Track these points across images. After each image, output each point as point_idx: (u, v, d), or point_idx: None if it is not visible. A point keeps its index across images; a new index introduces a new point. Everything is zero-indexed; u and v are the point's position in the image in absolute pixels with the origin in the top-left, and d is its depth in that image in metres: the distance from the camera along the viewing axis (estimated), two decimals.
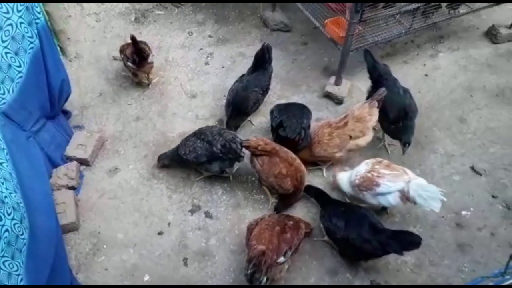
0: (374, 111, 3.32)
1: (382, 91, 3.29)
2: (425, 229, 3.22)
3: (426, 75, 4.20)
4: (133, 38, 3.65)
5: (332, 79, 4.00)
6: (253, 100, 3.66)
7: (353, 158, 3.53)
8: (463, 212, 3.30)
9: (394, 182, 2.93)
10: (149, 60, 3.88)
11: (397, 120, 3.35)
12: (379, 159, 3.13)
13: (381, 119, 3.42)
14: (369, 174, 3.00)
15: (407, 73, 4.19)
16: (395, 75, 4.11)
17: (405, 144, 3.34)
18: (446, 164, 3.57)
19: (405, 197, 2.90)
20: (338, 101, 3.97)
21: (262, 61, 3.66)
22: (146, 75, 4.05)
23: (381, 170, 2.99)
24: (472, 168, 3.54)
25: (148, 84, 4.11)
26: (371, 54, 3.50)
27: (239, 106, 3.63)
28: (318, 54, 4.38)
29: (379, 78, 3.47)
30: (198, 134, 3.33)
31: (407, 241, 2.71)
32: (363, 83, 4.11)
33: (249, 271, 2.59)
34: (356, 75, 4.16)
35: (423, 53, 4.39)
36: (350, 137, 3.31)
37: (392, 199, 2.95)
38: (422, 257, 3.09)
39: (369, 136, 3.36)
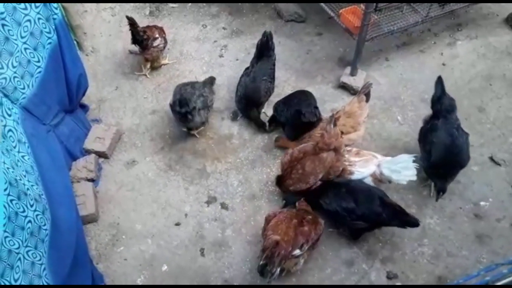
0: (363, 105, 3.34)
1: (368, 84, 3.33)
2: (442, 220, 3.19)
3: (443, 64, 4.13)
4: (129, 20, 3.76)
5: (348, 69, 3.97)
6: (264, 89, 3.67)
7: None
8: (482, 203, 3.26)
9: (365, 167, 3.06)
10: (155, 44, 3.94)
11: (439, 165, 3.07)
12: (348, 148, 3.20)
13: (423, 158, 3.20)
14: None
15: (424, 63, 4.12)
16: (411, 64, 4.10)
17: (439, 192, 3.12)
18: None
19: (377, 179, 3.04)
20: (354, 91, 3.93)
21: (266, 49, 3.65)
22: (157, 60, 4.13)
23: (351, 159, 3.11)
24: (491, 159, 3.48)
25: (161, 66, 4.19)
26: (442, 84, 3.21)
27: (251, 99, 3.65)
28: (333, 45, 4.34)
29: (438, 113, 3.16)
30: (187, 84, 3.60)
31: (406, 222, 2.87)
32: (379, 73, 4.07)
33: (261, 263, 2.60)
34: (372, 65, 4.12)
35: (440, 41, 4.31)
36: (342, 132, 3.27)
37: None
38: (440, 248, 3.07)
39: (361, 131, 3.37)
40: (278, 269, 2.65)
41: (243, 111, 3.76)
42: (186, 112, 3.37)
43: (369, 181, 3.08)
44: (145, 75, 4.16)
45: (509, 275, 1.35)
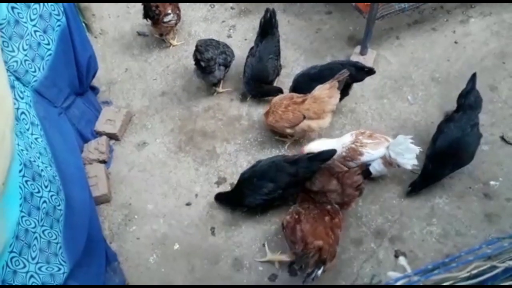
0: (334, 93, 3.22)
1: (344, 71, 3.20)
2: (451, 200, 3.20)
3: (455, 42, 4.05)
4: None
5: (358, 48, 3.92)
6: (272, 68, 3.65)
7: None
8: (492, 182, 3.25)
9: (376, 149, 3.06)
10: (166, 19, 3.93)
11: (440, 154, 3.04)
12: (362, 130, 3.20)
13: (429, 146, 3.18)
14: (353, 145, 3.10)
15: (436, 41, 4.05)
16: (423, 43, 4.03)
17: (414, 186, 3.14)
18: None
19: (387, 162, 3.05)
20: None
21: (270, 27, 3.61)
22: (165, 35, 4.14)
23: (363, 140, 3.10)
24: (502, 138, 3.45)
25: (170, 45, 4.20)
26: (475, 80, 3.16)
27: (260, 78, 3.65)
28: (343, 23, 4.28)
29: (461, 107, 3.12)
30: (213, 39, 3.76)
31: (324, 157, 2.96)
32: (390, 52, 4.01)
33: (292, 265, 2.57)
34: (382, 44, 4.06)
35: (453, 19, 4.22)
36: (304, 116, 3.26)
37: (377, 165, 3.11)
38: (448, 227, 3.09)
39: (323, 121, 3.29)
40: (320, 271, 2.58)
41: (252, 91, 3.76)
42: (209, 59, 3.49)
43: (379, 163, 3.09)
44: (170, 44, 4.21)
45: (510, 249, 1.36)
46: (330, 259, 2.64)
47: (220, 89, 3.90)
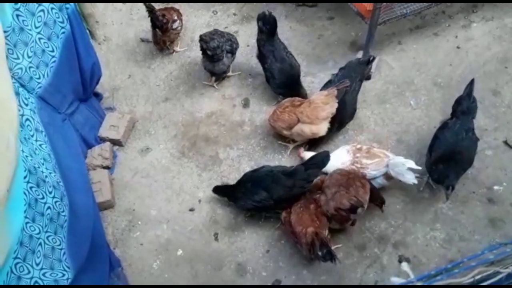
0: (330, 100, 3.21)
1: (346, 81, 3.21)
2: (455, 205, 3.19)
3: (458, 47, 4.05)
4: (148, 7, 3.79)
5: (360, 54, 3.92)
6: (296, 61, 3.72)
7: None
8: (495, 187, 3.24)
9: (378, 170, 3.07)
10: (174, 26, 3.98)
11: (438, 162, 3.01)
12: (358, 146, 3.19)
13: (426, 156, 3.17)
14: (353, 167, 3.09)
15: (438, 46, 4.06)
16: (425, 47, 4.04)
17: (448, 187, 2.94)
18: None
19: (389, 177, 3.07)
20: (367, 77, 3.89)
21: (275, 27, 3.64)
22: (170, 43, 4.18)
23: (363, 161, 3.09)
24: (506, 143, 3.44)
25: (173, 52, 4.23)
26: (471, 87, 3.17)
27: (293, 74, 3.68)
28: (345, 29, 4.30)
29: (455, 113, 3.15)
30: (217, 30, 3.86)
31: (318, 161, 2.95)
32: (392, 57, 4.02)
33: (322, 252, 2.64)
34: (385, 49, 4.06)
35: (454, 24, 4.22)
36: (298, 120, 3.28)
37: (380, 180, 3.14)
38: (452, 233, 3.08)
39: (317, 127, 3.29)
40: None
41: (285, 94, 3.70)
42: (216, 48, 3.57)
43: (381, 178, 3.12)
44: (173, 50, 4.24)
45: None
46: (325, 239, 2.73)
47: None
